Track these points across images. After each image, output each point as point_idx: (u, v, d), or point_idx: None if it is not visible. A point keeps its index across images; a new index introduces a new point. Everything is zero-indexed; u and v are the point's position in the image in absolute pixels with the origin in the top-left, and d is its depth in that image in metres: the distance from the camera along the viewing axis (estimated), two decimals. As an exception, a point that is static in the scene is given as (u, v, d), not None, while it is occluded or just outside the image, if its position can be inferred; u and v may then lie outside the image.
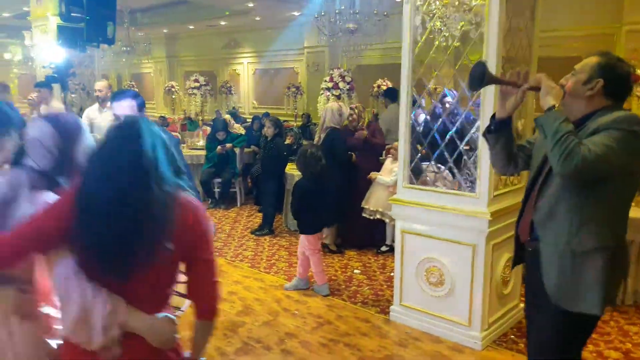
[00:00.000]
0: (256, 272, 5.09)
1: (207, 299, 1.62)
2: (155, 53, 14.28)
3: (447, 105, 3.68)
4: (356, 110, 5.85)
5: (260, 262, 5.38)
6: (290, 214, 5.24)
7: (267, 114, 8.48)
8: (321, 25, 7.59)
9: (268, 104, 11.73)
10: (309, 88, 10.64)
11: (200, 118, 11.28)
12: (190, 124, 10.79)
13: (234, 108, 11.38)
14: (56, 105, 6.82)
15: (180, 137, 8.63)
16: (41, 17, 7.40)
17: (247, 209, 7.59)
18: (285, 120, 8.71)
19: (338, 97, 8.08)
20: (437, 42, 3.53)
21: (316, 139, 6.07)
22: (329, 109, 5.66)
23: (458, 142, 3.53)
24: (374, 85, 9.31)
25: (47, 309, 1.79)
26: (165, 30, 13.13)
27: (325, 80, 8.37)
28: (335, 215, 5.11)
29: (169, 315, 1.59)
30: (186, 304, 1.79)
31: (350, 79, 8.32)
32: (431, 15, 3.53)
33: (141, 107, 3.10)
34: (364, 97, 8.28)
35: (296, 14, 9.77)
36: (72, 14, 5.26)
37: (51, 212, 1.54)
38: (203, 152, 7.80)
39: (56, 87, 6.91)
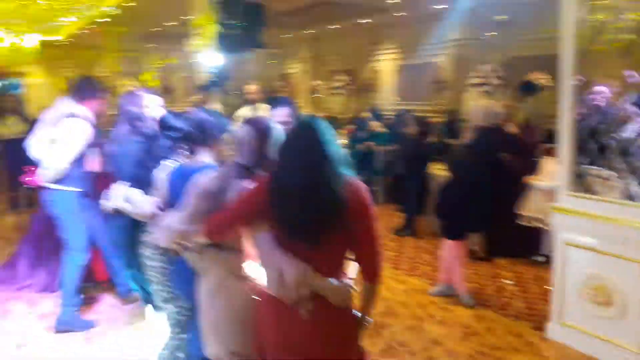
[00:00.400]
0: (399, 273, 5.04)
1: (371, 265, 1.92)
2: (300, 54, 14.82)
3: (616, 104, 3.29)
4: (508, 108, 5.51)
5: (402, 264, 5.31)
6: (434, 216, 5.09)
7: (409, 112, 8.32)
8: (469, 17, 7.26)
9: (411, 101, 11.50)
10: (455, 83, 10.22)
11: (343, 116, 11.46)
12: (333, 123, 11.02)
13: (375, 106, 11.34)
14: (215, 106, 7.41)
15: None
16: (201, 25, 8.04)
17: (388, 208, 7.54)
18: (429, 117, 8.47)
19: (488, 94, 7.66)
20: (602, 34, 3.16)
21: (464, 138, 5.82)
22: (479, 107, 5.38)
23: (629, 144, 3.14)
24: (528, 79, 8.65)
25: (248, 271, 2.20)
26: (309, 31, 13.52)
27: (474, 76, 7.97)
28: (482, 221, 4.84)
29: (345, 280, 1.92)
30: (352, 271, 2.01)
31: (502, 74, 7.82)
32: (595, 5, 3.17)
33: (295, 111, 3.26)
34: (516, 93, 7.72)
35: (441, 7, 9.44)
36: (229, 22, 5.65)
37: (250, 196, 1.94)
38: (345, 151, 7.92)
39: (215, 89, 7.51)
